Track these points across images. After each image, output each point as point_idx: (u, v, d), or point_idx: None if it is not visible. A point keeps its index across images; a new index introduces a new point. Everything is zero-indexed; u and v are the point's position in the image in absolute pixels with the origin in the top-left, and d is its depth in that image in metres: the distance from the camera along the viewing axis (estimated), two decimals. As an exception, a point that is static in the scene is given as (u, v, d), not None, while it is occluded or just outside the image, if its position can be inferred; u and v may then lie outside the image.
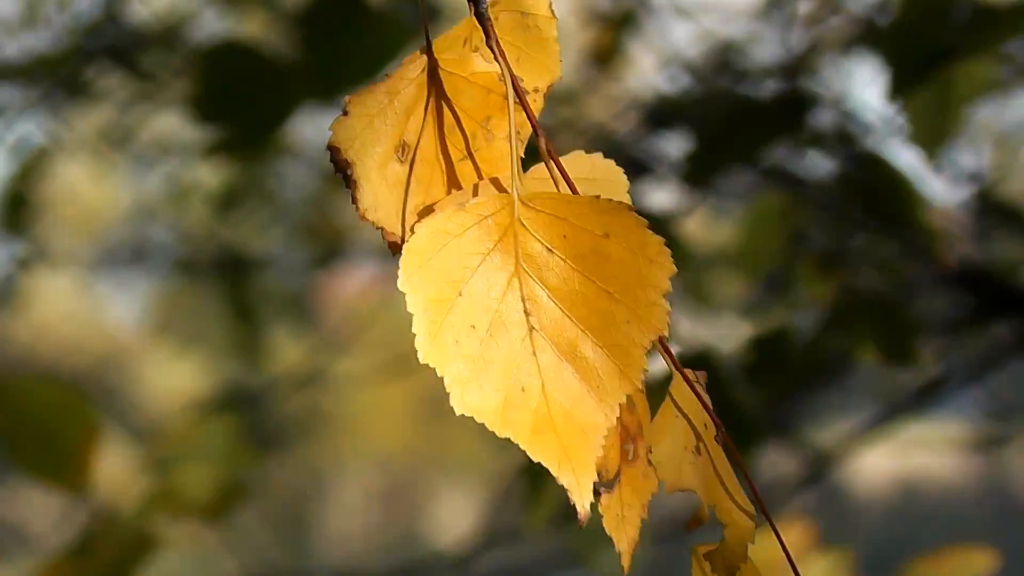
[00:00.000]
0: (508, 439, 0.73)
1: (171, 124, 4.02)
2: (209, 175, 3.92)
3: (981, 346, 3.21)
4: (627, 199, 0.79)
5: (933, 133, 2.14)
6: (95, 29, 3.54)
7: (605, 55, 3.24)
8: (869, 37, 2.70)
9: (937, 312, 3.15)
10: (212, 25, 3.69)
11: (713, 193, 2.98)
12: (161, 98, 3.65)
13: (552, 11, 0.83)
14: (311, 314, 4.58)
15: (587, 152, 0.80)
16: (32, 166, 3.69)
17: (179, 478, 1.89)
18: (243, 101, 1.69)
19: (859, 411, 3.44)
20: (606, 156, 0.80)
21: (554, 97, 3.33)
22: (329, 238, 4.10)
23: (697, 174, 2.43)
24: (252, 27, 3.75)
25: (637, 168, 3.09)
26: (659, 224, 2.82)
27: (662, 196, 3.34)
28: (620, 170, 0.81)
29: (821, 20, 2.82)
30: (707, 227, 3.54)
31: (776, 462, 3.29)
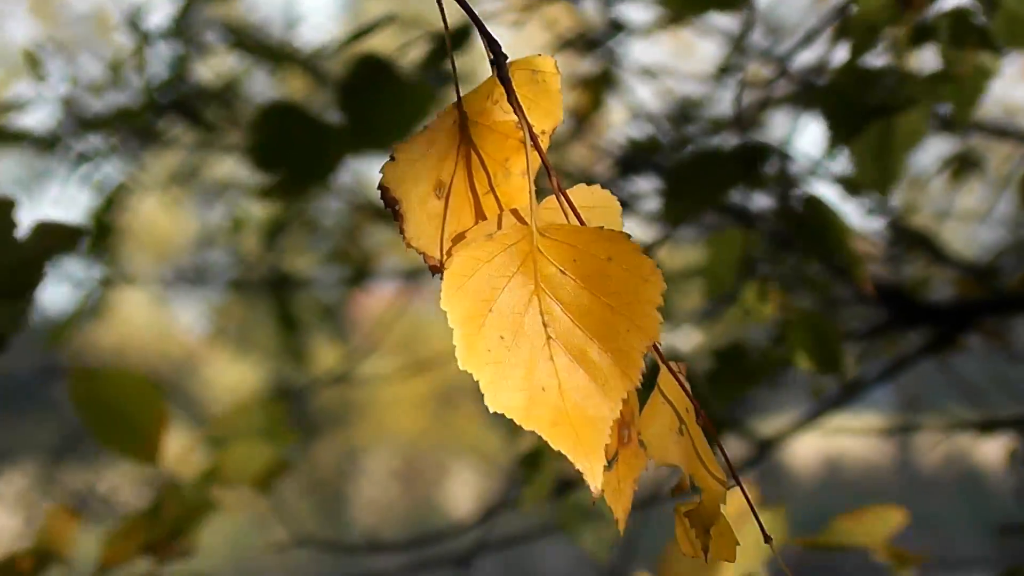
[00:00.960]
0: (518, 430, 0.73)
1: (229, 166, 4.03)
2: (260, 209, 3.92)
3: (893, 350, 3.20)
4: (621, 221, 0.79)
5: (881, 178, 2.13)
6: (166, 87, 3.55)
7: (585, 109, 3.23)
8: (808, 96, 2.69)
9: (858, 322, 3.15)
10: (262, 84, 3.70)
11: (678, 227, 2.97)
12: (220, 145, 3.67)
13: (556, 68, 0.83)
14: (344, 324, 4.57)
15: (585, 185, 0.80)
16: (114, 201, 3.68)
17: (231, 454, 1.88)
18: (291, 154, 1.68)
19: (794, 404, 3.44)
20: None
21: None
22: (359, 261, 4.09)
23: (672, 216, 2.41)
24: (295, 86, 3.75)
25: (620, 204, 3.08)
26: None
27: (634, 227, 3.33)
28: (614, 198, 0.81)
29: (767, 82, 2.82)
30: (668, 252, 3.53)
31: (728, 446, 3.29)
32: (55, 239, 1.52)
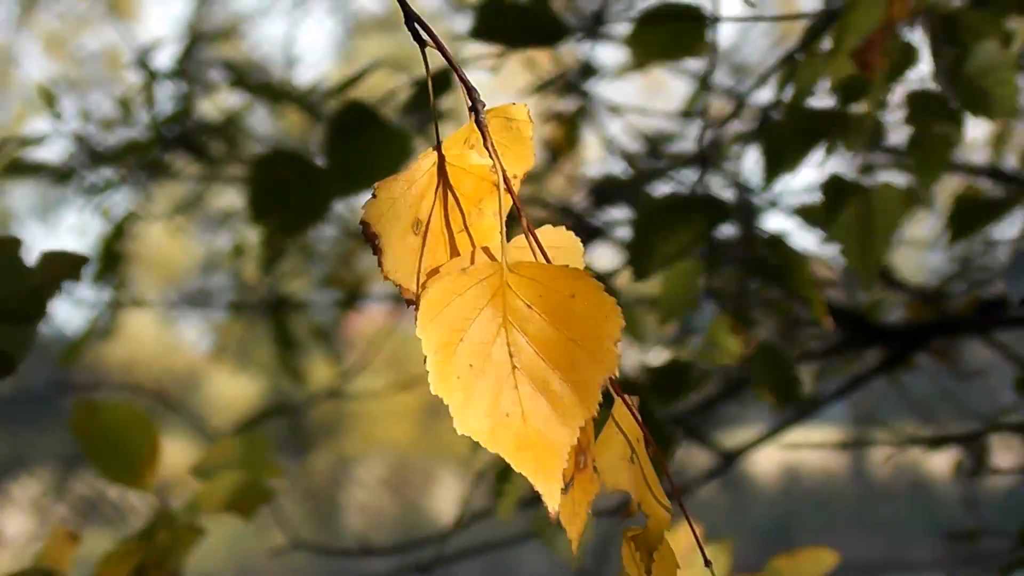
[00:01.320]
0: (480, 446, 0.73)
1: (230, 197, 4.03)
2: (259, 236, 3.93)
3: (848, 369, 3.21)
4: (582, 261, 0.79)
5: (865, 268, 2.12)
6: (172, 122, 3.56)
7: (561, 144, 3.24)
8: (760, 133, 2.70)
9: (816, 342, 3.15)
10: (262, 119, 3.71)
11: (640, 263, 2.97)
12: (222, 176, 3.68)
13: (529, 117, 0.83)
14: (338, 342, 4.56)
15: (553, 224, 0.80)
16: (123, 228, 3.68)
17: (216, 485, 1.89)
18: (286, 201, 1.68)
19: (757, 418, 3.44)
20: (565, 225, 0.80)
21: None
22: (352, 284, 4.10)
23: (638, 273, 2.39)
24: (293, 120, 3.76)
25: (589, 232, 3.08)
26: (605, 279, 2.83)
27: (607, 253, 3.34)
28: (578, 239, 0.81)
29: (726, 118, 2.82)
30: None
31: (697, 456, 3.29)
32: (61, 267, 1.54)
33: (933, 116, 2.06)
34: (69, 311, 3.95)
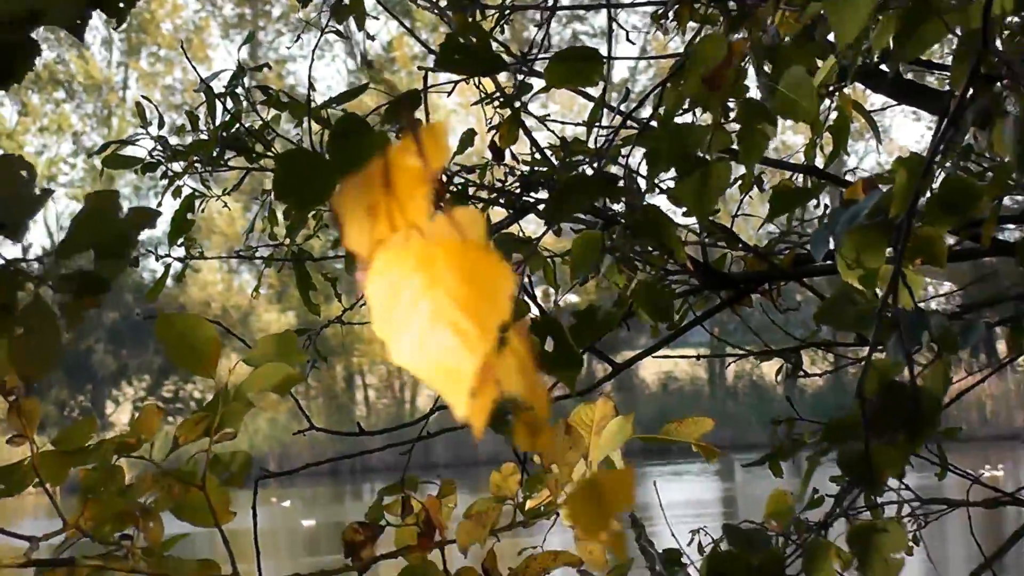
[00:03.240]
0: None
1: (266, 182, 4.02)
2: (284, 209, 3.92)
3: (705, 304, 3.21)
4: (484, 234, 0.77)
5: (700, 210, 2.16)
6: (225, 129, 3.60)
7: (502, 145, 3.21)
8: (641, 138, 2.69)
9: (681, 286, 3.15)
10: (289, 127, 3.72)
11: (559, 224, 2.97)
12: (260, 167, 3.69)
13: (446, 130, 0.81)
14: (348, 286, 4.54)
15: (467, 206, 0.78)
16: (188, 205, 3.72)
17: (260, 371, 1.87)
18: (301, 184, 1.67)
19: (641, 338, 3.44)
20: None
21: (473, 167, 3.32)
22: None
23: (554, 217, 2.41)
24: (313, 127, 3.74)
25: (521, 209, 3.07)
26: (530, 241, 2.83)
27: (532, 221, 3.32)
28: (482, 217, 0.78)
29: (617, 128, 2.80)
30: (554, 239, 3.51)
31: (596, 367, 3.29)
32: (141, 217, 1.56)
33: (757, 118, 2.09)
34: (155, 265, 3.92)
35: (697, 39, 2.18)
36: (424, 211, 0.70)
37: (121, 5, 1.56)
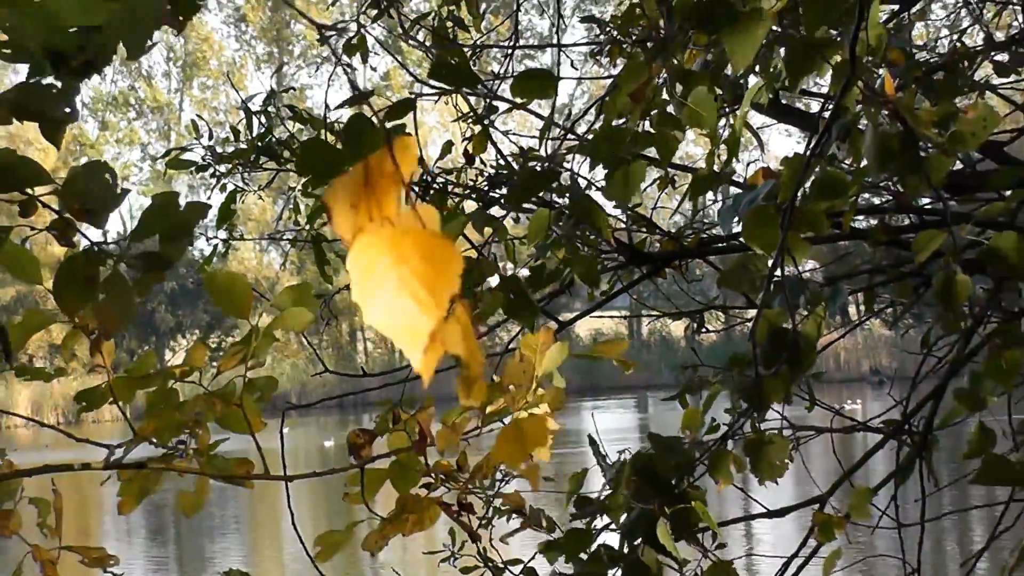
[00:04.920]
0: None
1: (293, 177, 4.00)
2: (304, 194, 3.92)
3: (629, 276, 3.17)
4: (439, 227, 0.71)
5: (624, 198, 2.17)
6: (260, 139, 3.65)
7: (475, 150, 3.15)
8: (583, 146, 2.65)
9: (610, 261, 3.10)
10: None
11: (517, 212, 2.92)
12: (287, 168, 3.68)
13: (417, 143, 0.75)
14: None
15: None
16: (231, 198, 3.71)
17: (285, 313, 1.83)
18: (318, 164, 1.62)
19: (577, 302, 3.40)
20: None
21: (451, 170, 3.25)
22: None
23: (512, 203, 2.38)
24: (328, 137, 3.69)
25: (489, 202, 3.01)
26: (498, 219, 2.78)
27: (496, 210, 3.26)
28: (437, 213, 0.72)
29: (562, 137, 2.75)
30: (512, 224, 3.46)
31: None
32: (195, 210, 1.60)
33: (670, 125, 2.08)
34: (204, 244, 3.93)
35: (623, 65, 2.15)
36: (395, 207, 0.66)
37: (180, 19, 1.51)
